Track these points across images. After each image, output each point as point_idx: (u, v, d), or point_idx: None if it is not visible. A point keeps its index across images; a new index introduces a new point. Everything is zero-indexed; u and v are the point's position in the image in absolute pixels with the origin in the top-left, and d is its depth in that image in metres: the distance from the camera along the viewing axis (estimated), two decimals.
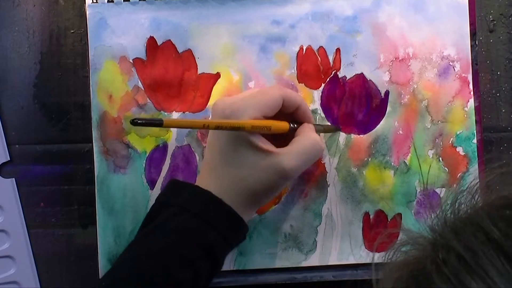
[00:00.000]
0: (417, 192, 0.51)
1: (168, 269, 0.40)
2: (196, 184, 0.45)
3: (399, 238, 0.38)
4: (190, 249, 0.41)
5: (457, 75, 0.51)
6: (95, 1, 0.50)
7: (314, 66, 0.50)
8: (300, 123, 0.46)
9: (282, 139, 0.45)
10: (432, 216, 0.32)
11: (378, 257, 0.51)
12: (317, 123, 0.50)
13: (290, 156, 0.43)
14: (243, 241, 0.46)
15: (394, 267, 0.31)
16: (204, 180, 0.44)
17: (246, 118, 0.42)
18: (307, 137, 0.44)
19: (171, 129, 0.50)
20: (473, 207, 0.32)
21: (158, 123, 0.38)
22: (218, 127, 0.41)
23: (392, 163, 0.51)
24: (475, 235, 0.27)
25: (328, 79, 0.51)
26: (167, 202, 0.44)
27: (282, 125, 0.44)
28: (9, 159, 0.52)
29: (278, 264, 0.51)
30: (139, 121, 0.37)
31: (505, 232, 0.26)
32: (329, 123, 0.50)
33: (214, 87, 0.50)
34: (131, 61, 0.50)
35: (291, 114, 0.46)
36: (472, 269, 0.25)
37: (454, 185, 0.50)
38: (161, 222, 0.42)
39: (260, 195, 0.44)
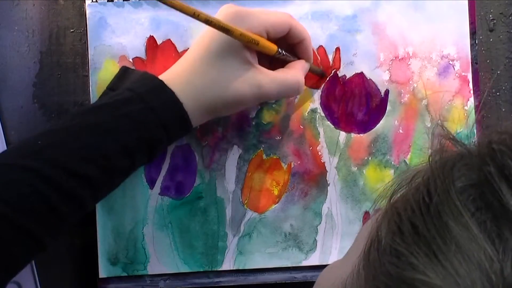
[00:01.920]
0: None
1: (108, 153, 0.40)
2: (168, 72, 0.45)
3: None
4: (135, 140, 0.41)
5: (457, 74, 0.51)
6: (94, 0, 0.50)
7: (314, 65, 0.50)
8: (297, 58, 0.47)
9: (271, 67, 0.45)
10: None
11: None
12: (317, 120, 0.51)
13: (270, 79, 0.44)
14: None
15: (448, 150, 0.28)
16: (177, 72, 0.44)
17: (247, 27, 0.42)
18: (293, 73, 0.45)
19: None
20: None
21: None
22: (207, 21, 0.40)
23: (392, 162, 0.51)
24: None
25: (328, 78, 0.51)
26: (129, 87, 0.43)
27: (270, 46, 0.44)
28: None
29: (278, 263, 0.51)
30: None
31: None
32: (317, 68, 0.50)
33: None
34: (131, 61, 0.50)
35: (293, 46, 0.46)
36: None
37: None
38: (114, 104, 0.42)
39: (226, 105, 0.44)
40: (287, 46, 0.46)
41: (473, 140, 0.30)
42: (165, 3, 0.38)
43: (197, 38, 0.46)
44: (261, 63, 0.45)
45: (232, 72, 0.43)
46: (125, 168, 0.42)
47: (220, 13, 0.44)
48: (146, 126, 0.42)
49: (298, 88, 0.46)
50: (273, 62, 0.47)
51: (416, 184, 0.27)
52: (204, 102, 0.44)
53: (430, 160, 0.28)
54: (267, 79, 0.44)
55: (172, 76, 0.44)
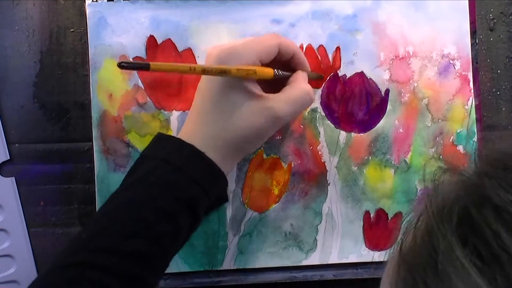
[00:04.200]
0: (418, 190, 0.51)
1: (150, 223, 0.40)
2: (181, 132, 0.45)
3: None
4: (172, 202, 0.41)
5: (457, 74, 0.51)
6: (95, 0, 0.50)
7: (314, 64, 0.50)
8: (294, 71, 0.46)
9: (275, 89, 0.45)
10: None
11: (378, 256, 0.51)
12: (318, 120, 0.51)
13: (282, 102, 0.43)
14: (223, 199, 0.46)
15: (445, 185, 0.30)
16: (190, 128, 0.44)
17: (242, 63, 0.42)
18: (299, 86, 0.45)
19: (172, 128, 0.50)
20: None
21: (145, 66, 0.38)
22: (204, 71, 0.41)
23: (393, 162, 0.51)
24: None
25: (328, 78, 0.51)
26: (150, 155, 0.44)
27: (267, 71, 0.44)
28: (9, 158, 0.52)
29: (279, 263, 0.51)
30: (125, 64, 0.37)
31: None
32: (315, 73, 0.50)
33: None
34: (131, 60, 0.50)
35: (287, 62, 0.46)
36: None
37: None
38: (143, 175, 0.42)
39: (248, 141, 0.44)
40: (281, 63, 0.46)
41: (473, 158, 0.31)
42: (160, 69, 0.40)
43: (197, 89, 0.45)
44: (264, 88, 0.44)
45: (240, 109, 0.42)
46: (171, 233, 0.41)
47: (210, 58, 0.43)
48: (177, 186, 0.41)
49: (309, 98, 0.45)
50: (273, 84, 0.46)
51: (421, 230, 0.28)
52: (225, 146, 0.43)
53: (427, 206, 0.28)
54: (278, 103, 0.43)
55: (187, 132, 0.44)
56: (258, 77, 0.43)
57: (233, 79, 0.42)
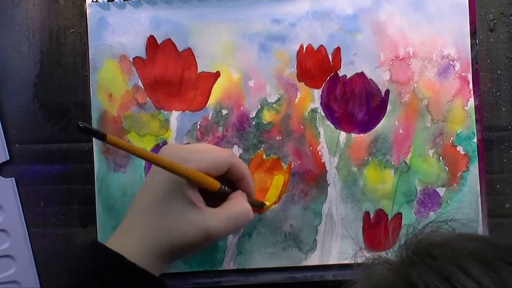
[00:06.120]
0: (418, 191, 0.51)
1: None
2: (121, 225, 0.43)
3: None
4: None
5: (457, 74, 0.51)
6: (95, 0, 0.50)
7: (314, 65, 0.50)
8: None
9: (216, 202, 0.44)
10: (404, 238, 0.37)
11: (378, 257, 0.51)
12: (317, 120, 0.51)
13: (217, 218, 0.42)
14: None
15: (375, 274, 0.34)
16: (128, 225, 0.43)
17: (189, 166, 0.41)
18: (238, 204, 0.44)
19: (171, 128, 0.50)
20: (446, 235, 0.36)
21: (101, 137, 0.35)
22: (154, 161, 0.39)
23: (393, 162, 0.51)
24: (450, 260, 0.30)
25: (328, 78, 0.51)
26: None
27: (213, 183, 0.42)
28: (8, 158, 0.52)
29: (278, 263, 0.51)
30: (83, 126, 0.34)
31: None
32: (258, 201, 0.49)
33: (214, 86, 0.50)
34: (131, 60, 0.50)
35: (235, 182, 0.45)
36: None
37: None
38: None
39: (178, 250, 0.42)
40: (227, 181, 0.44)
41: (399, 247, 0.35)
42: (114, 144, 0.37)
43: (144, 183, 0.44)
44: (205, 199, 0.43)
45: (176, 218, 0.41)
46: None
47: (163, 153, 0.42)
48: None
49: (248, 217, 0.44)
50: (214, 196, 0.44)
51: None
52: (159, 254, 0.42)
53: None
54: (214, 220, 0.42)
55: (119, 232, 0.43)
56: (203, 185, 0.42)
57: (177, 184, 0.41)
